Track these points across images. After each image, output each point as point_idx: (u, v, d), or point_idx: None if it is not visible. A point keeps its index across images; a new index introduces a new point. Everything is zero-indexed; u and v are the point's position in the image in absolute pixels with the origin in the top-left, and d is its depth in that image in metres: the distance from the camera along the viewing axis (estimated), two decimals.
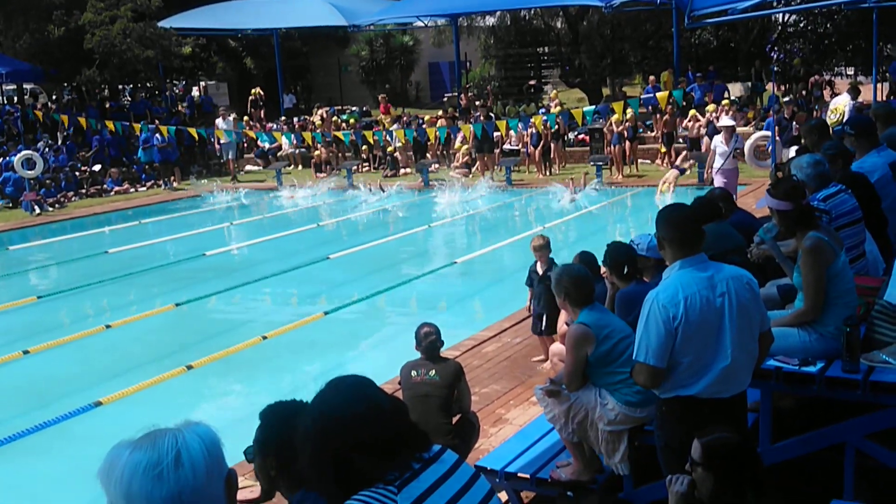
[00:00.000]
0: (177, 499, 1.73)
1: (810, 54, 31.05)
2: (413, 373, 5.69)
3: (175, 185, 24.41)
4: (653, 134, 23.65)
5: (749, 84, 27.78)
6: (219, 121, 26.35)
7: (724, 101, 22.32)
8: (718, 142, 14.42)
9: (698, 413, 3.87)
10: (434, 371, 5.65)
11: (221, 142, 25.57)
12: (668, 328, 3.88)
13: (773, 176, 9.81)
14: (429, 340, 5.71)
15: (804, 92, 24.62)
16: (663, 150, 22.50)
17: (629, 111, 21.48)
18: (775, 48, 32.22)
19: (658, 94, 21.57)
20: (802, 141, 8.89)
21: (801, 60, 29.72)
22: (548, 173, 22.58)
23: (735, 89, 26.93)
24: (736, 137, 14.53)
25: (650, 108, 23.73)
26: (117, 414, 8.05)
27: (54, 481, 6.99)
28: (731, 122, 15.35)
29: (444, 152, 25.31)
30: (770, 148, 16.43)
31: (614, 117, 21.60)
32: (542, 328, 8.09)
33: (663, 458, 4.15)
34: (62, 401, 8.35)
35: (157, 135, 24.18)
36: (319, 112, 29.07)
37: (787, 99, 22.24)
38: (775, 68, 22.87)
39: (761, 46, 31.78)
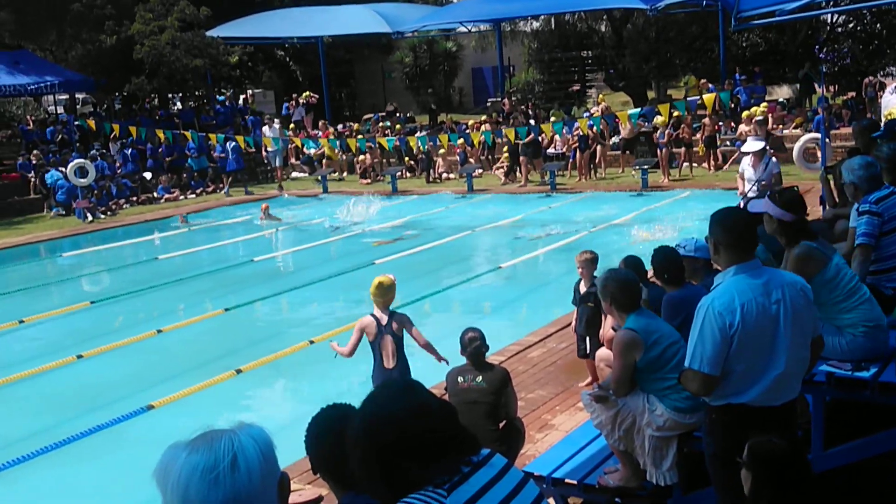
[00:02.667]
0: (231, 502, 1.74)
1: (860, 55, 30.49)
2: (460, 379, 5.70)
3: (228, 192, 24.61)
4: (697, 137, 23.42)
5: (797, 86, 27.39)
6: (265, 129, 26.62)
7: (757, 109, 21.82)
8: (746, 165, 11.82)
9: (749, 421, 3.82)
10: (481, 377, 5.66)
11: (268, 149, 25.75)
12: (723, 336, 3.82)
13: (824, 179, 9.67)
14: (474, 346, 5.72)
15: (855, 93, 24.20)
16: (702, 152, 22.31)
17: (676, 113, 21.32)
18: (824, 49, 31.68)
19: (704, 97, 21.35)
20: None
21: (854, 61, 29.21)
22: (593, 177, 22.51)
23: (783, 91, 26.57)
24: (767, 161, 11.61)
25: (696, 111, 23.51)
26: (169, 417, 8.19)
27: (108, 484, 7.13)
28: (759, 144, 12.08)
29: (488, 158, 25.30)
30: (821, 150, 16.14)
31: (660, 120, 21.43)
32: (588, 351, 7.61)
33: (712, 465, 4.11)
34: (115, 404, 8.51)
35: (219, 144, 24.55)
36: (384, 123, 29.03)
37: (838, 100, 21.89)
38: (824, 69, 22.48)
39: (810, 48, 31.28)
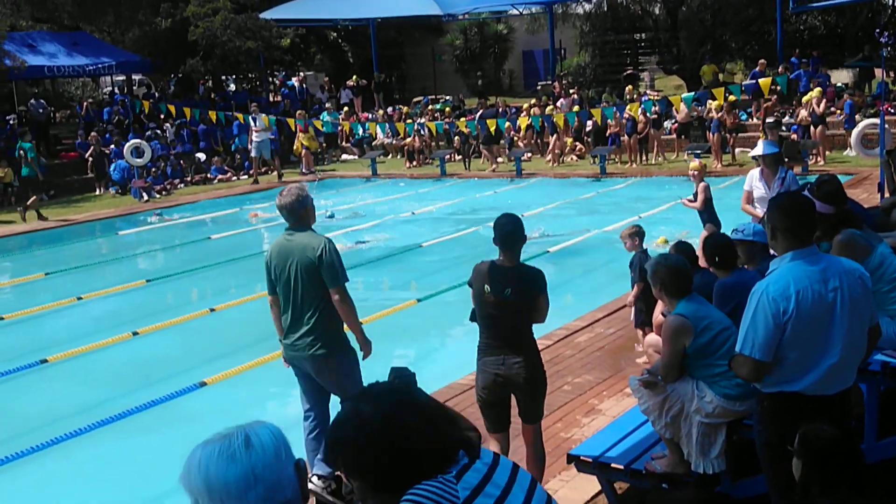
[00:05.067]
0: (250, 475, 1.81)
1: None
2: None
3: (278, 173, 24.74)
4: (753, 122, 23.02)
5: (857, 70, 26.73)
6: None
7: (811, 94, 21.30)
8: (756, 181, 9.01)
9: (801, 409, 3.78)
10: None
11: (254, 139, 24.18)
12: (776, 322, 3.77)
13: (885, 164, 9.45)
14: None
15: None
16: (763, 138, 21.87)
17: (731, 98, 21.00)
18: (885, 32, 30.84)
19: (760, 81, 20.97)
20: None
21: None
22: (645, 162, 22.30)
23: (842, 75, 25.97)
24: (784, 175, 8.78)
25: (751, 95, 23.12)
26: (221, 394, 8.36)
27: (161, 458, 7.28)
28: (770, 150, 9.00)
29: (538, 141, 25.19)
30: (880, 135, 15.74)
31: (714, 104, 21.12)
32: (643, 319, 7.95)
33: (763, 453, 4.07)
34: (169, 381, 8.69)
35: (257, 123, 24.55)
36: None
37: None
38: (884, 53, 21.92)
39: (870, 31, 30.48)
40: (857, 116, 20.83)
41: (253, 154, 24.07)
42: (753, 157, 9.54)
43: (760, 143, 9.35)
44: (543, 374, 5.32)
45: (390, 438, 2.11)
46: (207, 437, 1.90)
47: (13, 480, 6.87)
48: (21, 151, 19.85)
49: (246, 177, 24.87)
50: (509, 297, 5.02)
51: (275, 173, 24.55)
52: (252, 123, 23.76)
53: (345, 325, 5.71)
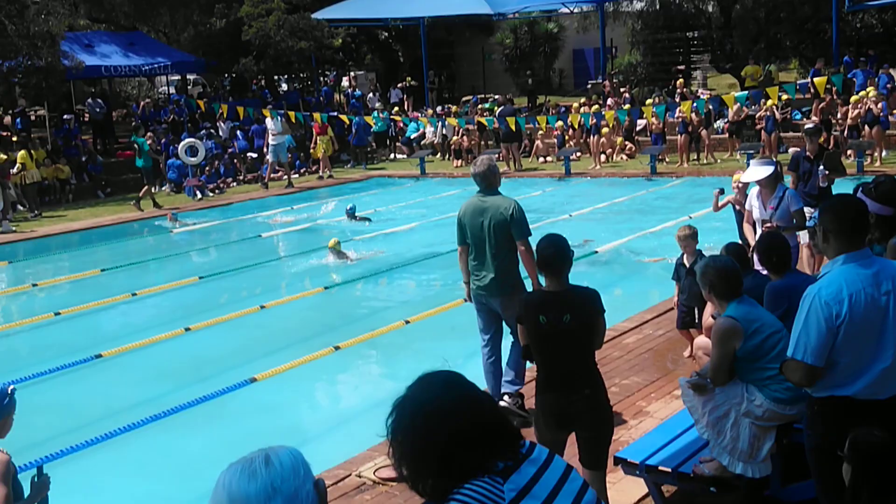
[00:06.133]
0: (269, 489, 1.90)
1: None
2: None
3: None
4: (805, 121, 22.60)
5: None
6: (268, 121, 24.39)
7: (865, 93, 20.86)
8: (755, 200, 8.14)
9: (852, 414, 3.72)
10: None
11: (271, 143, 23.68)
12: (829, 326, 3.72)
13: None
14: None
15: None
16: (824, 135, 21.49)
17: (785, 97, 20.66)
18: None
19: (816, 80, 20.60)
20: None
21: None
22: (696, 162, 22.05)
23: None
24: (781, 194, 7.91)
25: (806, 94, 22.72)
26: (270, 390, 8.46)
27: (212, 452, 7.41)
28: (765, 170, 7.93)
29: (587, 141, 25.04)
30: None
31: (768, 102, 20.79)
32: (696, 319, 7.64)
33: (812, 458, 4.01)
34: (220, 376, 8.82)
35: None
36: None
37: None
38: None
39: None
40: None
41: (270, 159, 23.07)
42: (744, 182, 8.64)
43: (752, 165, 8.22)
44: (611, 412, 4.93)
45: (440, 419, 2.15)
46: (231, 462, 2.01)
47: (69, 474, 7.00)
48: (136, 145, 21.02)
49: (297, 175, 25.02)
50: (568, 323, 4.68)
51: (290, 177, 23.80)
52: (270, 126, 23.08)
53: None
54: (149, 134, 24.54)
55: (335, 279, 13.14)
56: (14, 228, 18.79)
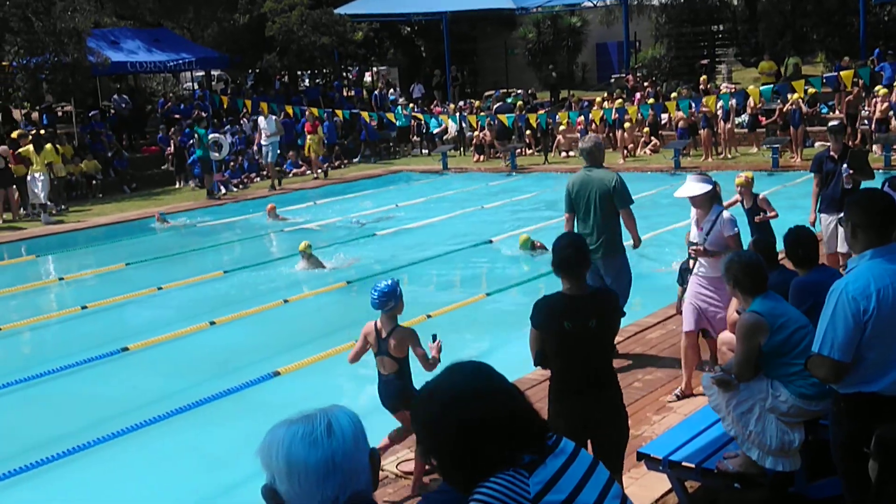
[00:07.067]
0: (330, 462, 1.88)
1: None
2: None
3: (320, 173, 24.48)
4: (833, 115, 22.37)
5: None
6: (260, 119, 23.79)
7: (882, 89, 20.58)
8: (693, 221, 7.50)
9: (879, 411, 3.69)
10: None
11: (262, 142, 23.43)
12: (857, 321, 3.69)
13: None
14: None
15: None
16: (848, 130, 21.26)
17: (811, 90, 20.47)
18: None
19: (842, 73, 20.37)
20: None
21: None
22: (720, 156, 21.89)
23: None
24: (715, 214, 7.20)
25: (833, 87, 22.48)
26: (294, 384, 8.52)
27: (235, 445, 7.46)
28: (701, 188, 7.17)
29: (610, 135, 24.92)
30: None
31: (794, 96, 20.60)
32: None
33: (838, 455, 3.99)
34: (244, 370, 8.89)
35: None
36: None
37: None
38: None
39: None
40: None
41: (269, 160, 22.75)
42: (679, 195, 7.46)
43: (688, 180, 7.38)
44: (627, 417, 4.81)
45: (471, 404, 2.16)
46: (289, 417, 1.97)
47: (94, 465, 7.12)
48: (196, 136, 21.75)
49: (320, 170, 25.00)
50: (594, 328, 4.51)
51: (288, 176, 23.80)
52: (263, 125, 22.77)
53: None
54: (172, 129, 24.75)
55: (355, 275, 13.17)
56: (55, 220, 19.22)
